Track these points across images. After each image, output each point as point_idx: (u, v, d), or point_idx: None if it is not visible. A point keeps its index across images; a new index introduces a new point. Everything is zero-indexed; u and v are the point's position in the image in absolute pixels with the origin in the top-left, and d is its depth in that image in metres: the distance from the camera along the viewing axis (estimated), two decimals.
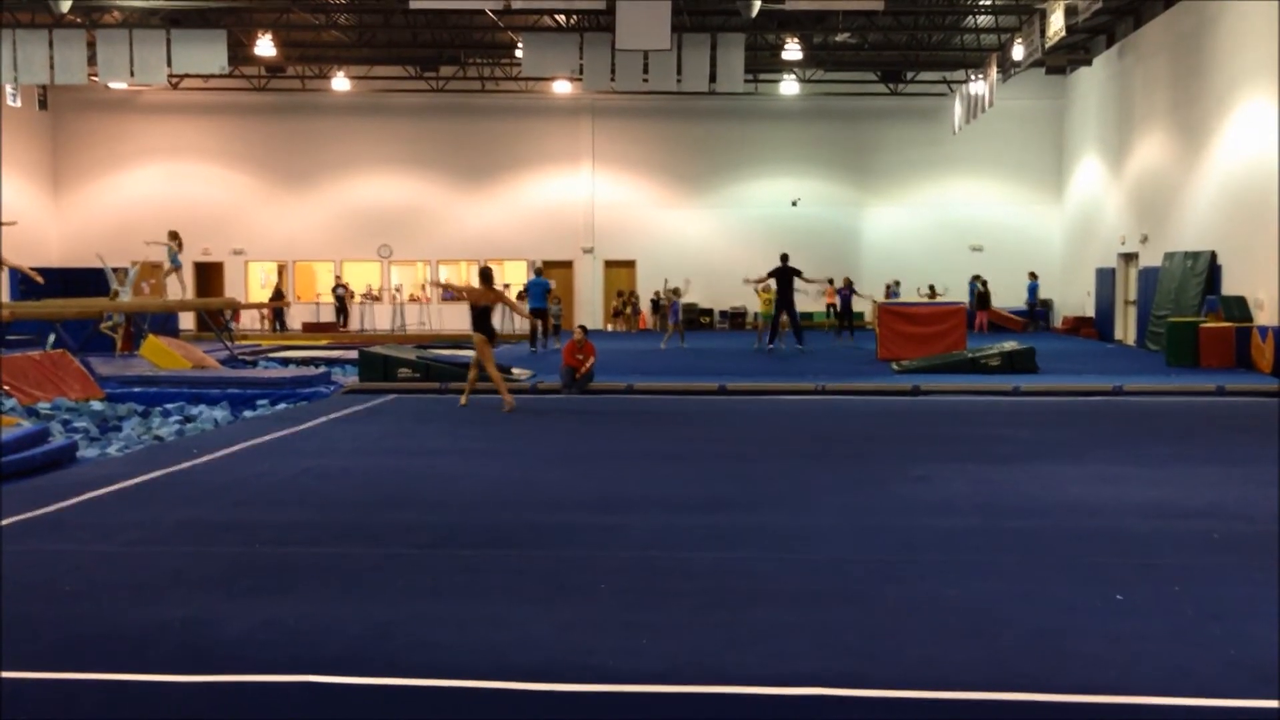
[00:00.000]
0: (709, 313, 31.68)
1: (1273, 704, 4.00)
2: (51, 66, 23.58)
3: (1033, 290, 29.57)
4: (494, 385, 13.26)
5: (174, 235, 20.80)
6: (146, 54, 23.33)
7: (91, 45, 23.78)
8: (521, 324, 26.73)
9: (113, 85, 28.70)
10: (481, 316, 13.07)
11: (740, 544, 6.48)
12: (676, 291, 24.96)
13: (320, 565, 6.00)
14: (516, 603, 5.30)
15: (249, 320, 31.18)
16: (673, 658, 4.50)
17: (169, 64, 23.67)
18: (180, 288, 21.24)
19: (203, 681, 4.25)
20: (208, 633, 4.83)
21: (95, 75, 24.56)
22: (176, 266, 21.11)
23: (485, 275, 13.44)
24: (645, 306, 31.98)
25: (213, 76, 27.64)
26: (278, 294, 31.40)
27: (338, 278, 32.14)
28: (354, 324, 31.73)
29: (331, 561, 6.08)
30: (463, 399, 13.68)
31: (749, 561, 6.07)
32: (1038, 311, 29.68)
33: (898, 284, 29.35)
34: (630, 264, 32.41)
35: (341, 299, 31.63)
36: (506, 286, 29.10)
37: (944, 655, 4.52)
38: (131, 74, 23.68)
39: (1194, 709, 3.98)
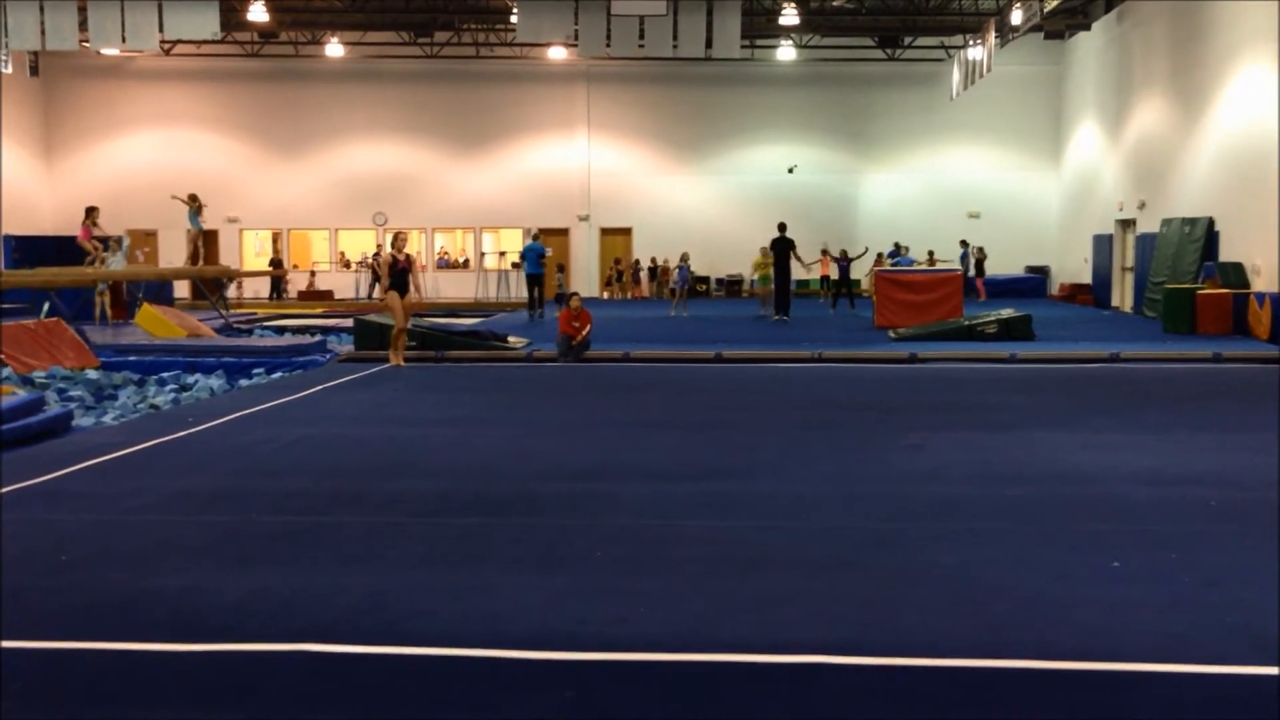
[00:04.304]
0: (705, 280, 31.59)
1: (1269, 670, 4.00)
2: (42, 32, 23.32)
3: (964, 259, 27.93)
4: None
5: (193, 197, 20.90)
6: (138, 19, 23.07)
7: (83, 10, 23.50)
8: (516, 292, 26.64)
9: (104, 51, 28.43)
10: (399, 278, 14.03)
11: (736, 512, 6.47)
12: (684, 257, 24.47)
13: (315, 534, 5.99)
14: (512, 571, 5.29)
15: (248, 288, 30.99)
16: (668, 626, 4.49)
17: (161, 29, 23.39)
18: (197, 252, 21.27)
19: (198, 650, 4.25)
20: (202, 602, 4.82)
21: (87, 41, 24.32)
22: (198, 229, 21.12)
23: (395, 240, 14.38)
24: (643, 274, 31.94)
25: (205, 42, 27.39)
26: (276, 263, 31.27)
27: (380, 246, 31.67)
28: (353, 293, 31.58)
29: (326, 530, 6.07)
30: (394, 359, 14.35)
31: (744, 529, 6.07)
32: (968, 279, 28.33)
33: (899, 248, 28.19)
34: (626, 231, 32.30)
35: (375, 269, 31.34)
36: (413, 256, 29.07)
37: (939, 623, 4.52)
38: (123, 39, 23.42)
39: (1190, 676, 3.98)
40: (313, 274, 32.24)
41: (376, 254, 31.24)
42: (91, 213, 19.87)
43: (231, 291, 30.49)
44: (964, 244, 28.36)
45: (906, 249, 27.14)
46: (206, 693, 3.89)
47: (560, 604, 4.78)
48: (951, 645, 4.26)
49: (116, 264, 21.32)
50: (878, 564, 5.39)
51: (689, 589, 4.99)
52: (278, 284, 31.26)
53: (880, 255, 26.47)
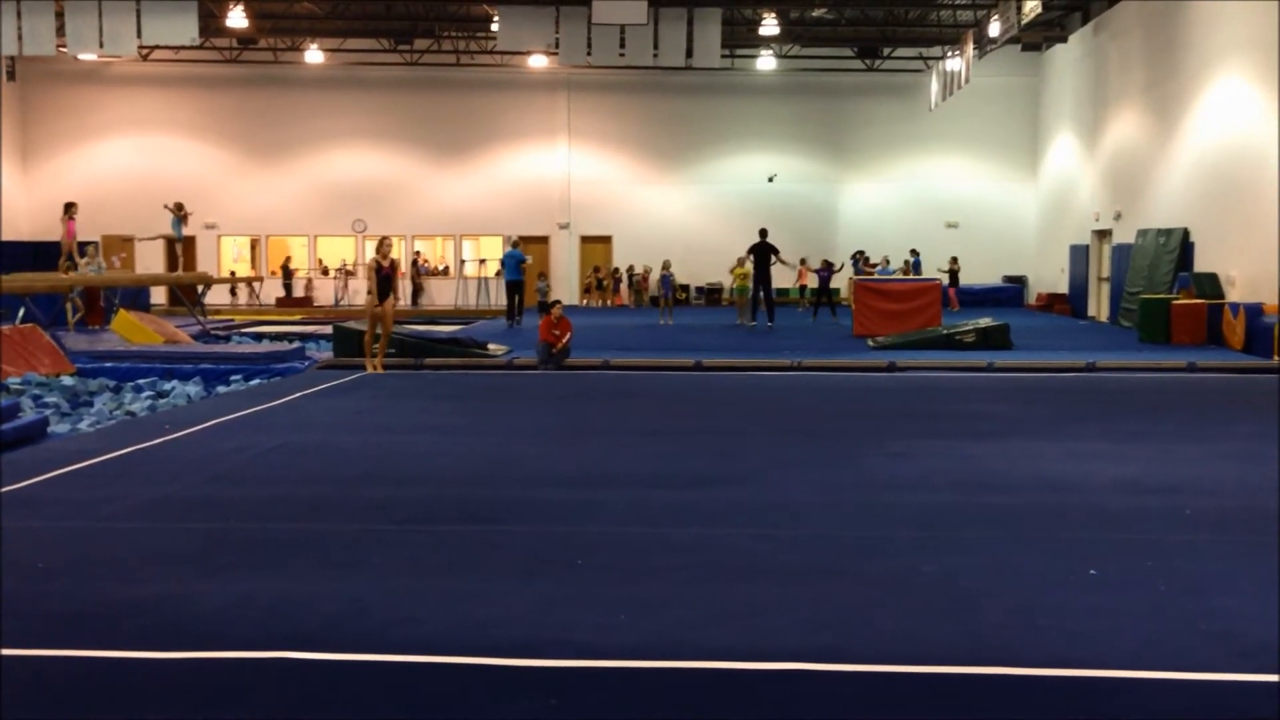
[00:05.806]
0: (685, 288, 31.65)
1: (1244, 677, 4.04)
2: (20, 37, 23.18)
3: (916, 268, 27.29)
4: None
5: (179, 205, 21.25)
6: (116, 24, 22.99)
7: (60, 15, 23.41)
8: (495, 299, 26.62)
9: (82, 56, 28.27)
10: (384, 283, 14.10)
11: (718, 519, 6.48)
12: (666, 265, 24.67)
13: (296, 541, 5.97)
14: (495, 578, 5.29)
15: (220, 295, 30.87)
16: (651, 633, 4.50)
17: (139, 35, 23.34)
18: (175, 259, 21.70)
19: (178, 658, 4.22)
20: (183, 609, 4.80)
21: (64, 46, 24.19)
22: (178, 236, 21.47)
23: (380, 245, 14.39)
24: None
25: (183, 48, 27.27)
26: (287, 270, 31.32)
27: (417, 252, 31.95)
28: (329, 299, 31.51)
29: (308, 537, 6.05)
30: (370, 366, 14.43)
31: (727, 537, 6.08)
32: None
33: (885, 261, 28.21)
34: (607, 239, 32.33)
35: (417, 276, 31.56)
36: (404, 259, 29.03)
37: (921, 630, 4.54)
38: (101, 45, 23.34)
39: (1167, 682, 4.02)
40: (342, 273, 32.13)
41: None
42: (70, 208, 19.89)
43: (243, 296, 30.51)
44: (914, 253, 27.89)
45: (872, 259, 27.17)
46: (188, 700, 3.87)
47: (544, 611, 4.78)
48: (933, 653, 4.28)
49: (92, 270, 21.17)
50: (860, 572, 5.41)
51: (673, 596, 4.99)
52: (289, 288, 31.24)
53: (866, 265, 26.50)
